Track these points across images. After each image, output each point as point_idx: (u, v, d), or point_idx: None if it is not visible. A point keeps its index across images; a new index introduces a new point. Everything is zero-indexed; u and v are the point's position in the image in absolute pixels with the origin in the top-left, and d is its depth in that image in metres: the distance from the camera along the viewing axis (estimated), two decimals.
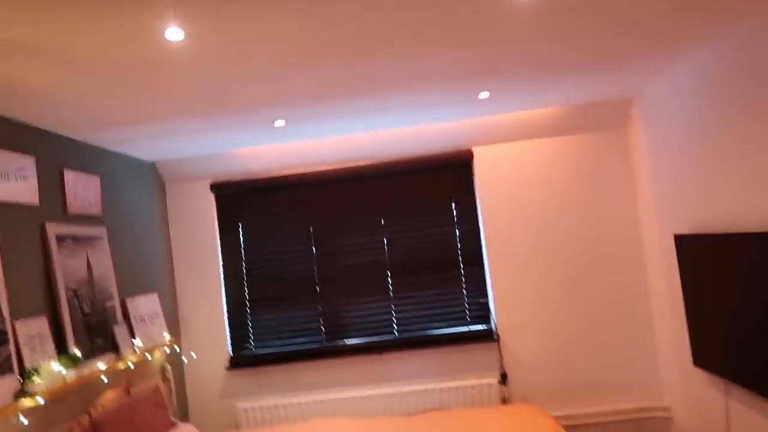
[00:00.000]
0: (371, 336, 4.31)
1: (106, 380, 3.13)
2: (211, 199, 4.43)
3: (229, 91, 2.79)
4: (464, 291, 4.27)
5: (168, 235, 4.41)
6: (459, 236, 4.29)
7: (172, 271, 4.40)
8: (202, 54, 2.26)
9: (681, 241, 3.35)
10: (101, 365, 3.11)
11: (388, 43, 2.36)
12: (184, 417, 4.26)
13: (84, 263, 3.20)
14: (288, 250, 4.39)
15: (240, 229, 4.42)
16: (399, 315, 4.29)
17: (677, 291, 3.64)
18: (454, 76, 2.95)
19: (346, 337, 4.33)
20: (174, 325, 4.29)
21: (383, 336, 4.31)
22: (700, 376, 3.46)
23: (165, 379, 3.98)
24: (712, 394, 3.32)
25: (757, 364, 2.69)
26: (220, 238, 4.44)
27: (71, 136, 3.25)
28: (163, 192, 4.42)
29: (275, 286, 4.39)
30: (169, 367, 4.02)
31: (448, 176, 4.31)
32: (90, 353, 3.09)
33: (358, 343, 4.30)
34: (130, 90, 2.60)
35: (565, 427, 4.07)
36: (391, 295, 4.30)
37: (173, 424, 3.32)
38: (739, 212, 2.87)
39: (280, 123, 3.53)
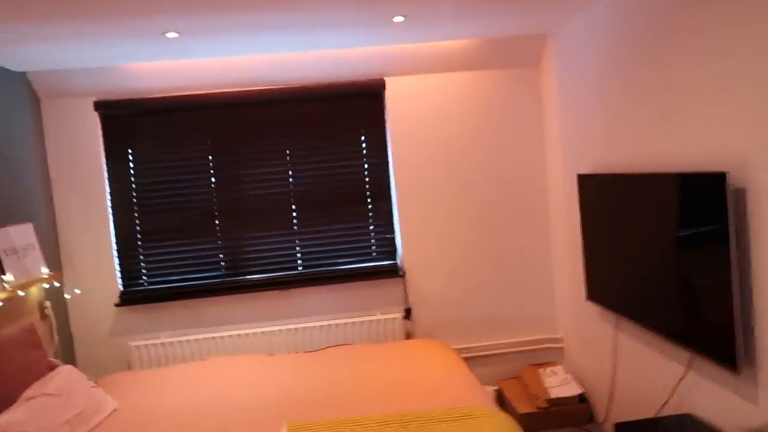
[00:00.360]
0: (275, 271, 4.16)
1: None
2: (96, 119, 3.98)
3: None
4: (371, 226, 4.18)
5: (45, 158, 3.93)
6: (368, 170, 4.15)
7: (51, 199, 3.96)
8: None
9: (584, 180, 3.41)
10: None
11: None
12: (70, 358, 3.96)
13: None
14: (185, 179, 4.07)
15: (130, 154, 4.03)
16: (304, 250, 4.15)
17: (577, 230, 3.76)
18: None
19: (248, 273, 4.15)
20: (55, 259, 3.90)
21: (287, 272, 4.16)
22: (592, 309, 3.63)
23: (44, 317, 3.64)
24: (603, 326, 3.51)
25: (644, 298, 2.83)
26: (108, 164, 4.03)
27: None
28: (38, 109, 3.90)
29: (171, 217, 4.08)
30: (48, 303, 3.68)
31: (359, 106, 4.12)
32: None
33: (261, 279, 4.14)
34: None
35: (465, 359, 4.20)
36: (296, 229, 4.14)
37: (52, 366, 3.04)
38: (640, 154, 2.93)
39: (172, 35, 3.15)
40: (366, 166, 4.15)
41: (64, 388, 2.83)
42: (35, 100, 3.86)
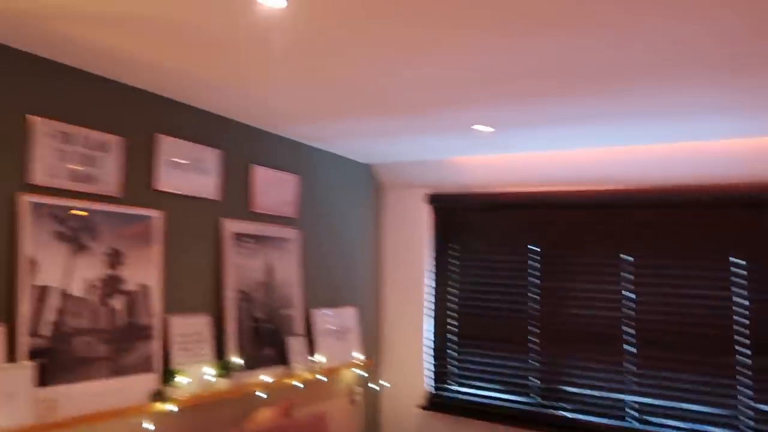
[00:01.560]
0: (595, 415, 3.28)
1: (264, 395, 2.89)
2: (427, 211, 3.94)
3: (391, 84, 2.23)
4: (742, 387, 2.91)
5: (378, 245, 4.07)
6: (741, 307, 2.94)
7: (378, 285, 4.05)
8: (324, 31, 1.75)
9: None
10: (265, 378, 2.88)
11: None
12: None
13: (264, 265, 3.02)
14: (505, 284, 3.63)
15: (455, 250, 3.83)
16: (637, 398, 3.16)
17: None
18: (729, 57, 1.86)
19: (561, 408, 3.38)
20: (372, 346, 3.92)
21: (612, 420, 3.23)
22: None
23: (353, 402, 3.64)
24: None
25: None
26: (434, 258, 3.92)
27: (266, 129, 3.08)
28: (379, 198, 4.09)
29: (485, 323, 3.67)
30: (359, 389, 3.67)
31: (732, 219, 2.99)
32: (254, 363, 2.88)
33: (578, 421, 3.31)
34: (305, 81, 2.25)
35: None
36: (629, 367, 3.19)
37: None
38: None
39: (481, 128, 2.82)
40: (739, 301, 2.95)
41: None
42: (378, 190, 4.06)
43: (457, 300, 3.78)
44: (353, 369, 3.56)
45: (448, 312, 3.81)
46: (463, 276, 3.78)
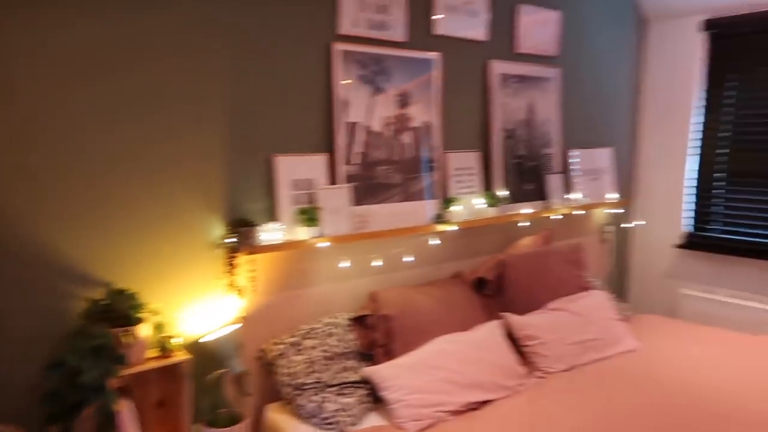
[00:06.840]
0: None
1: (527, 223, 3.15)
2: (700, 41, 3.57)
3: None
4: None
5: (639, 84, 3.85)
6: None
7: (635, 126, 3.90)
8: None
9: None
10: (525, 210, 3.12)
11: None
12: (620, 285, 4.00)
13: (526, 105, 3.13)
14: None
15: (731, 81, 3.47)
16: None
17: None
18: None
19: None
20: (627, 186, 3.89)
21: None
22: None
23: (603, 240, 3.76)
24: None
25: None
26: (706, 92, 3.60)
27: None
28: (641, 33, 3.79)
29: (761, 159, 3.38)
30: (610, 228, 3.76)
31: None
32: (517, 197, 3.12)
33: None
34: None
35: None
36: None
37: (585, 287, 3.14)
38: None
39: None
40: None
41: (586, 310, 2.89)
42: (641, 23, 3.76)
43: (729, 135, 3.50)
44: (606, 209, 3.63)
45: (718, 150, 3.56)
46: (739, 109, 3.44)
